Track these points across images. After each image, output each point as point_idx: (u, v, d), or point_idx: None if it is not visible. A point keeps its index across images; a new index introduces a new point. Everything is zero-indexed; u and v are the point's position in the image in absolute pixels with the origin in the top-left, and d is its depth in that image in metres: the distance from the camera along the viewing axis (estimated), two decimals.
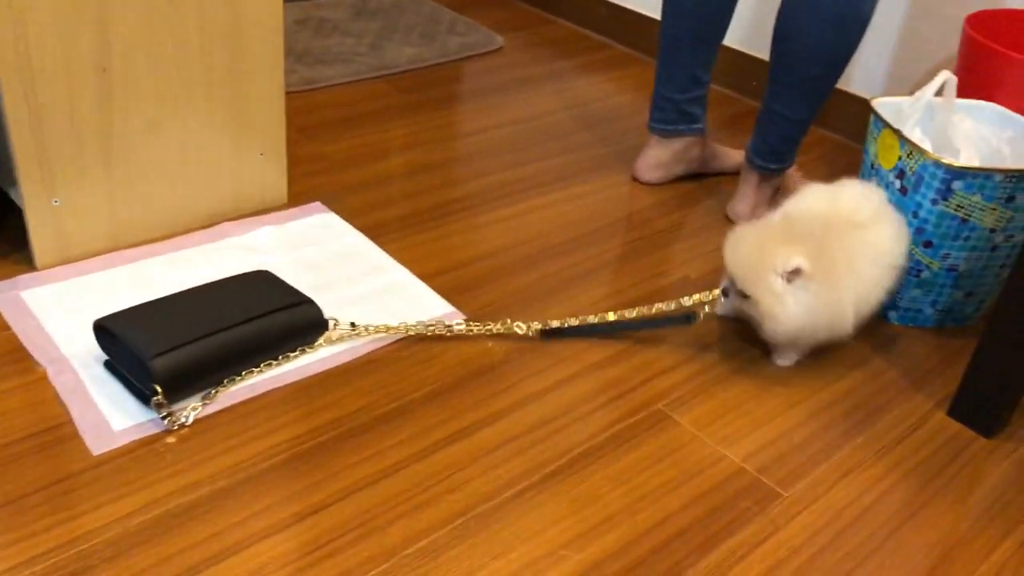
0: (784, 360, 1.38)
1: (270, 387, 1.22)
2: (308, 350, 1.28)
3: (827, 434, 1.26)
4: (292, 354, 1.26)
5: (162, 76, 1.38)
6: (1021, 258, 1.20)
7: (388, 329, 1.31)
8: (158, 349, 1.13)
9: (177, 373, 1.14)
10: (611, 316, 1.37)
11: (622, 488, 1.13)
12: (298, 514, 1.05)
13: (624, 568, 1.03)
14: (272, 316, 1.24)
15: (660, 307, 1.38)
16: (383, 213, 1.64)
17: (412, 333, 1.32)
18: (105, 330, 1.18)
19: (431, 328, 1.32)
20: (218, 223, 1.54)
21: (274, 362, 1.24)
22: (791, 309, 1.24)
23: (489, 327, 1.34)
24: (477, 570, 1.00)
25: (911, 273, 1.44)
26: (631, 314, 1.37)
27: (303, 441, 1.14)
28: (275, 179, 1.60)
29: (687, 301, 1.35)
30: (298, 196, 1.65)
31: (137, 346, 1.14)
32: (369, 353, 1.30)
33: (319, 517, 1.04)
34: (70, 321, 1.28)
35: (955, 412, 1.31)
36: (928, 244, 1.41)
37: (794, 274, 1.22)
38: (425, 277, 1.48)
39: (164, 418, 1.13)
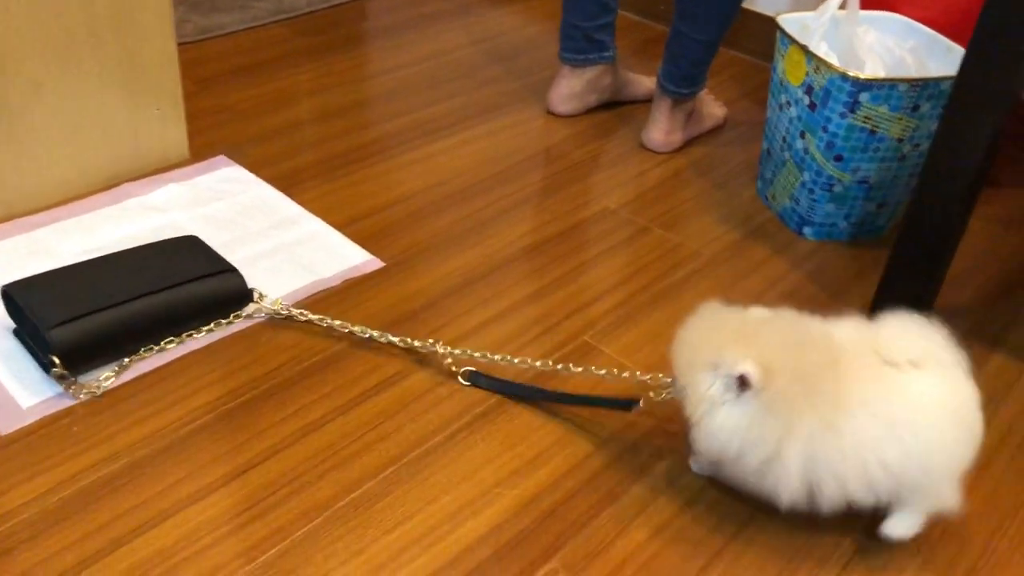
0: (696, 464, 1.08)
1: (184, 352, 1.18)
2: (224, 322, 1.22)
3: None
4: (208, 327, 1.20)
5: (43, 34, 1.30)
6: (928, 166, 1.21)
7: (320, 318, 1.22)
8: (58, 319, 1.08)
9: (78, 344, 1.09)
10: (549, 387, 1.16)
11: (553, 422, 1.13)
12: (225, 476, 1.02)
13: (560, 499, 1.03)
14: (189, 286, 1.18)
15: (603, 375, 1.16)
16: (292, 162, 1.59)
17: (341, 328, 1.22)
18: (9, 297, 1.13)
19: (366, 333, 1.21)
20: (119, 184, 1.47)
21: (195, 333, 1.19)
22: (717, 423, 0.93)
23: (415, 345, 1.20)
24: (412, 516, 1.00)
25: (824, 188, 1.46)
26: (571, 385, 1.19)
27: (223, 403, 1.11)
28: (175, 134, 1.53)
29: (639, 375, 1.14)
30: (201, 150, 1.59)
31: (37, 315, 1.09)
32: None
33: (247, 477, 1.02)
34: None
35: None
36: (839, 158, 1.42)
37: (741, 384, 0.91)
38: (340, 226, 1.44)
39: (68, 389, 1.08)
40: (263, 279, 1.30)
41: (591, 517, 1.02)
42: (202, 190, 1.48)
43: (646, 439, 1.12)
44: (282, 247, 1.37)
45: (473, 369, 1.17)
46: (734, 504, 1.04)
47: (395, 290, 1.32)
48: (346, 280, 1.33)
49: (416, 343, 1.19)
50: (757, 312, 0.98)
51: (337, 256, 1.37)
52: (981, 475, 1.11)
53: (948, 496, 0.95)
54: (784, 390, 0.90)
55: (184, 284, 1.18)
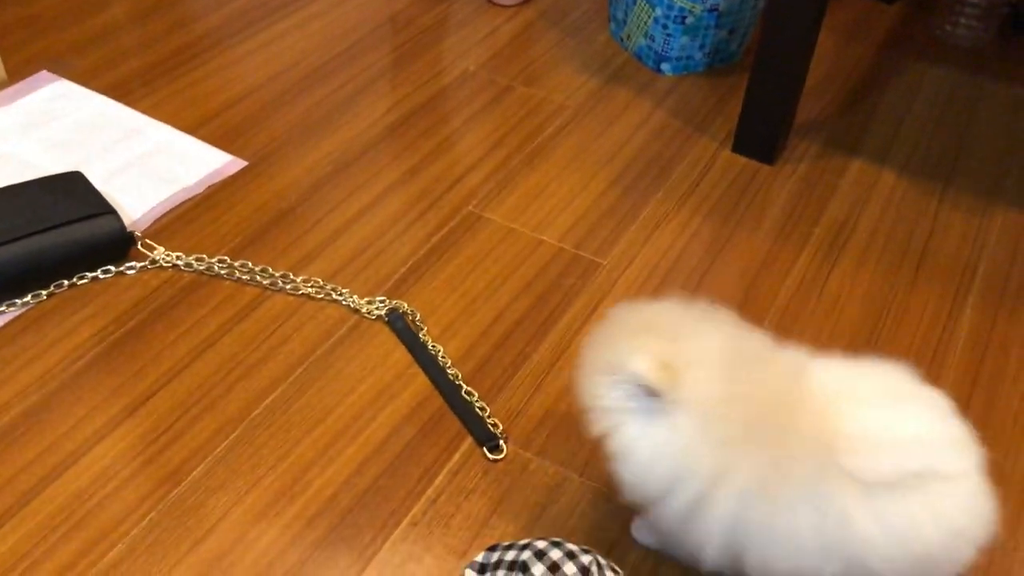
0: (638, 531, 0.87)
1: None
2: (106, 271, 1.11)
3: (629, 197, 1.30)
4: (89, 275, 1.11)
5: None
6: None
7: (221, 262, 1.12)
8: None
9: None
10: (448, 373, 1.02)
11: (454, 296, 1.13)
12: (128, 407, 0.98)
13: (473, 369, 1.04)
14: (57, 231, 1.08)
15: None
16: (122, 69, 1.47)
17: (241, 271, 1.12)
18: None
19: (251, 273, 1.12)
20: None
21: (66, 282, 1.10)
22: (625, 444, 0.72)
23: (328, 292, 1.11)
24: (331, 410, 0.99)
25: (676, 21, 1.46)
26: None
27: (110, 332, 1.06)
28: None
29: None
30: (18, 69, 1.44)
31: None
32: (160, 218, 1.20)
33: (152, 404, 0.99)
34: None
35: (738, 147, 1.38)
36: None
37: (645, 389, 0.68)
38: (190, 129, 1.36)
39: None
40: (120, 199, 1.22)
41: (508, 378, 1.04)
42: (31, 112, 1.36)
43: (544, 299, 1.14)
44: (134, 161, 1.29)
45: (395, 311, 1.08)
46: None
47: (264, 188, 1.27)
48: (210, 186, 1.26)
49: (334, 292, 1.14)
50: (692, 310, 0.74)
51: (195, 161, 1.29)
52: (857, 278, 1.19)
53: None
54: (722, 407, 0.68)
55: (54, 228, 1.08)
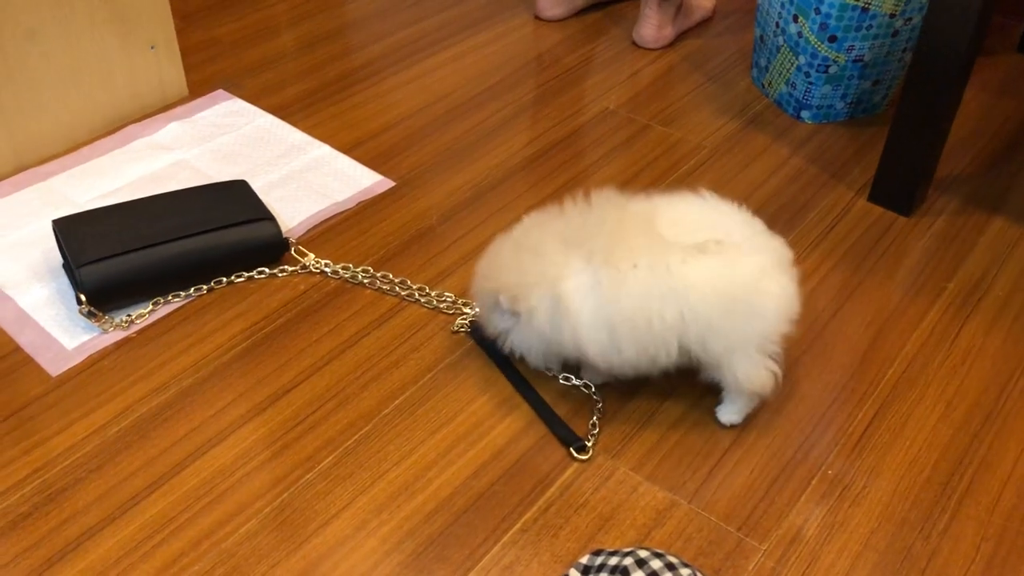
0: (588, 376, 1.09)
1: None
2: (261, 272, 1.21)
3: None
4: (246, 274, 1.21)
5: None
6: (922, 39, 1.23)
7: (349, 271, 1.21)
8: (89, 258, 1.11)
9: (105, 284, 1.11)
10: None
11: None
12: (271, 397, 1.06)
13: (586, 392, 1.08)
14: (224, 231, 1.18)
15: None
16: (288, 91, 1.59)
17: (369, 284, 1.20)
18: (55, 232, 1.16)
19: (408, 291, 1.20)
20: (123, 126, 1.48)
21: (224, 279, 1.20)
22: (519, 344, 1.03)
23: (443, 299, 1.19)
24: (455, 415, 1.04)
25: (819, 70, 1.48)
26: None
27: (260, 328, 1.15)
28: (171, 71, 1.53)
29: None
30: (199, 86, 1.59)
31: (72, 252, 1.11)
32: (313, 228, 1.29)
33: (291, 396, 1.07)
34: None
35: (875, 197, 1.37)
36: (833, 39, 1.44)
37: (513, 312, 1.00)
38: (345, 149, 1.46)
39: (98, 324, 1.12)
40: (279, 208, 1.32)
41: (623, 403, 1.07)
42: (205, 125, 1.49)
43: None
44: (293, 175, 1.39)
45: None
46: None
47: (409, 208, 1.35)
48: (360, 202, 1.35)
49: (465, 307, 1.21)
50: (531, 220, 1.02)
51: (348, 179, 1.39)
52: (989, 336, 1.16)
53: (747, 376, 0.97)
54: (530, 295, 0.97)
55: (219, 230, 1.18)
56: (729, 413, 1.04)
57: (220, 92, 1.57)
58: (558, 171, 1.43)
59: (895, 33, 1.44)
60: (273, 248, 1.22)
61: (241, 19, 1.80)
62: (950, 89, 1.26)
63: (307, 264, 1.23)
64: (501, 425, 1.04)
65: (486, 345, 1.11)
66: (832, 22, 1.41)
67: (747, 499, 0.97)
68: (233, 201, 1.23)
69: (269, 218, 1.22)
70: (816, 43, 1.45)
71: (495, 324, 1.04)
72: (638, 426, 1.04)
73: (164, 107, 1.53)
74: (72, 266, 1.11)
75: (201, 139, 1.46)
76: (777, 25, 1.52)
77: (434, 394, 1.07)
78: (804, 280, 1.24)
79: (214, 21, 1.79)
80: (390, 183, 1.39)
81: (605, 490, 0.97)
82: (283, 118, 1.52)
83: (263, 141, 1.46)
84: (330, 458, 1.00)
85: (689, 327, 0.95)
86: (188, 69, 1.60)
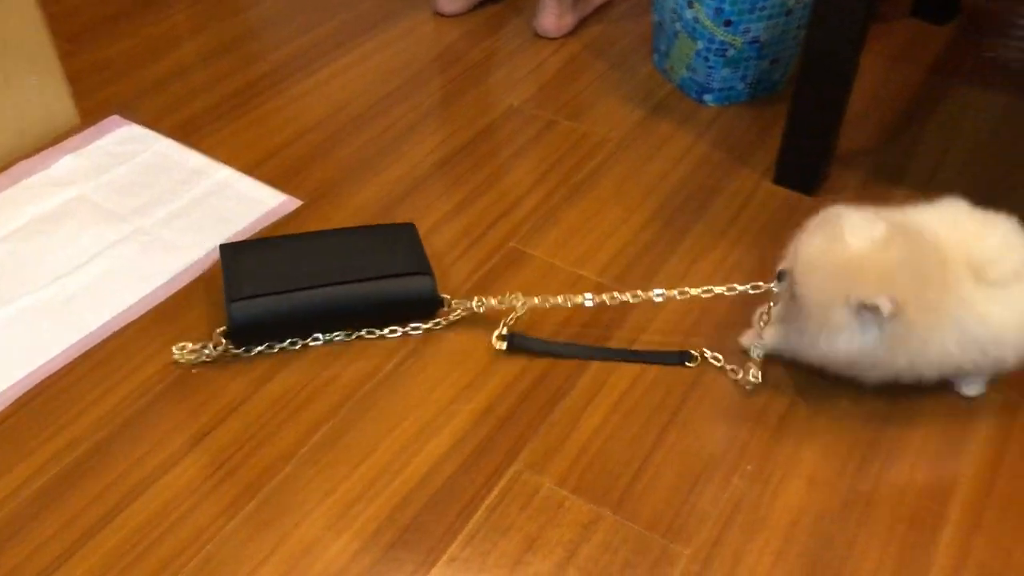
0: (756, 346, 1.10)
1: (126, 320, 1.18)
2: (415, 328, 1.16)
3: (669, 229, 1.32)
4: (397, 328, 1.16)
5: None
6: (813, 12, 1.23)
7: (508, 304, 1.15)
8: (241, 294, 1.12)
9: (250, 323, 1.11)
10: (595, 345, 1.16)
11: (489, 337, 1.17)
12: (191, 439, 1.04)
13: (514, 404, 1.08)
14: (376, 283, 1.14)
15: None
16: (187, 110, 1.55)
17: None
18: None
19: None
20: (13, 163, 1.42)
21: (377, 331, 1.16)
22: (845, 344, 0.99)
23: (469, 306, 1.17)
24: (376, 446, 1.04)
25: (718, 54, 1.48)
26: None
27: (171, 371, 1.12)
28: (57, 101, 1.47)
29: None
30: (91, 113, 1.53)
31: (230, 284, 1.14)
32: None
33: (209, 440, 1.05)
34: None
35: (780, 179, 1.39)
36: (728, 23, 1.44)
37: (874, 312, 0.95)
38: (248, 169, 1.42)
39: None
40: (182, 240, 1.29)
41: (546, 414, 1.07)
42: (101, 156, 1.44)
43: (583, 332, 1.17)
44: (194, 203, 1.36)
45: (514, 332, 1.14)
46: (679, 373, 1.11)
47: (318, 226, 1.32)
48: (270, 224, 1.33)
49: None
50: (877, 230, 0.97)
51: (252, 202, 1.36)
52: None
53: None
54: (908, 321, 0.96)
55: (371, 280, 1.14)
56: (978, 386, 1.09)
57: (115, 118, 1.52)
58: (467, 175, 1.42)
59: (789, 12, 1.45)
60: (425, 305, 1.16)
61: (135, 35, 1.74)
62: (845, 61, 1.27)
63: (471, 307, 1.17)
64: (424, 450, 1.03)
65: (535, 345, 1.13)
66: (727, 6, 1.42)
67: (670, 504, 0.98)
68: (394, 248, 1.19)
69: (424, 273, 1.16)
70: (712, 28, 1.45)
71: (827, 318, 0.98)
72: (561, 438, 1.05)
73: (55, 139, 1.48)
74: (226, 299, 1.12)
75: (97, 171, 1.41)
76: (674, 11, 1.52)
77: (351, 428, 1.06)
78: (715, 269, 1.25)
79: (105, 39, 1.72)
80: (297, 202, 1.37)
81: (531, 509, 0.98)
82: (182, 139, 1.48)
83: (161, 168, 1.42)
84: (252, 503, 0.98)
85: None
86: (79, 95, 1.54)
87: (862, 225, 0.97)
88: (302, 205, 1.36)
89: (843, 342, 0.98)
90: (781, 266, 1.04)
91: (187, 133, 1.50)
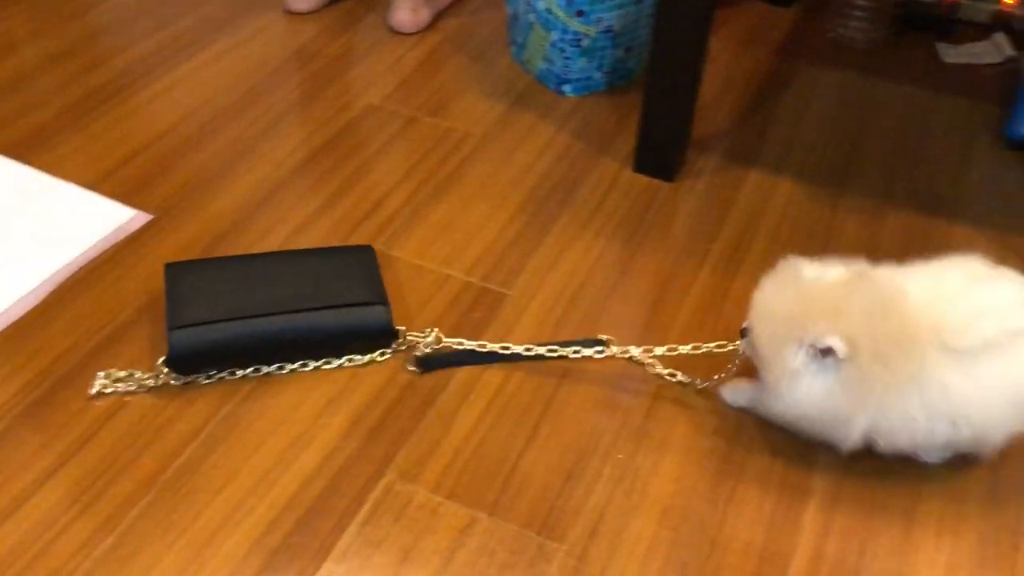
0: (731, 396, 1.09)
1: None
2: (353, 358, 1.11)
3: (534, 223, 1.32)
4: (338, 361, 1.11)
5: None
6: (660, 3, 1.25)
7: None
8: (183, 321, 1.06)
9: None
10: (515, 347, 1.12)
11: None
12: (47, 468, 0.98)
13: (383, 413, 1.06)
14: (320, 313, 1.08)
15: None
16: (23, 123, 1.46)
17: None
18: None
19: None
20: None
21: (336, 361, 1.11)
22: (801, 392, 0.95)
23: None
24: (240, 469, 1.00)
25: (573, 44, 1.49)
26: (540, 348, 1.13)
27: (30, 390, 1.06)
28: None
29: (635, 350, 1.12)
30: None
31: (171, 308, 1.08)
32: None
33: (68, 467, 0.99)
34: None
35: (639, 166, 1.41)
36: (580, 13, 1.45)
37: (826, 354, 0.92)
38: (94, 184, 1.35)
39: None
40: (11, 273, 1.20)
41: (418, 420, 1.06)
42: None
43: (455, 332, 1.15)
44: (28, 227, 1.28)
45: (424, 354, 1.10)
46: (548, 367, 1.11)
47: (172, 241, 1.27)
48: (114, 244, 1.26)
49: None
50: (834, 273, 0.95)
51: (97, 221, 1.29)
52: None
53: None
54: (864, 366, 0.91)
55: (319, 310, 1.08)
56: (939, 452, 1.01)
57: None
58: (329, 175, 1.38)
59: (639, 0, 1.47)
60: (377, 338, 1.10)
61: None
62: (693, 47, 1.29)
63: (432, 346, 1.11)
64: (292, 469, 1.00)
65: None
66: None
67: (545, 500, 0.99)
68: (347, 275, 1.12)
69: (380, 303, 1.10)
70: (565, 19, 1.46)
71: (782, 364, 0.93)
72: (433, 444, 1.03)
73: None
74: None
75: None
76: (527, 3, 1.51)
77: (216, 449, 1.02)
78: (581, 260, 1.26)
79: None
80: (147, 216, 1.30)
81: (405, 519, 0.96)
82: (23, 154, 1.39)
83: None
84: (110, 538, 0.94)
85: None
86: None
87: (818, 270, 0.96)
88: (153, 219, 1.30)
89: (803, 389, 0.94)
90: (744, 324, 1.01)
91: (25, 149, 1.41)
